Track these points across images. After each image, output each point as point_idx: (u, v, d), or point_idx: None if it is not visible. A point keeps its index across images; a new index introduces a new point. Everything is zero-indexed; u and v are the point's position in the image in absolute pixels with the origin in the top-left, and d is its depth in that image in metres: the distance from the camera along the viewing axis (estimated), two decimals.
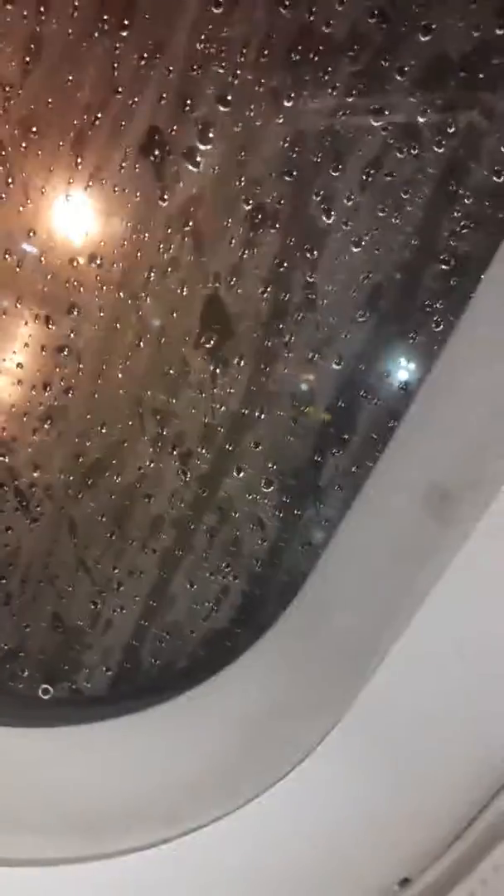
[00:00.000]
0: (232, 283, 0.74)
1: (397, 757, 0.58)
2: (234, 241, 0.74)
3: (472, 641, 0.54)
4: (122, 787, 0.69)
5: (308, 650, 0.70)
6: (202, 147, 0.72)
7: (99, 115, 0.72)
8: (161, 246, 0.74)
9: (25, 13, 0.69)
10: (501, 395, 0.57)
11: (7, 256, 0.75)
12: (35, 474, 0.82)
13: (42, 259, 0.75)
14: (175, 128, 0.72)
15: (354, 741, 0.60)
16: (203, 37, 0.69)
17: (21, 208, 0.74)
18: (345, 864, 0.60)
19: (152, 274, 0.75)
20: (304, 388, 0.79)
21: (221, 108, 0.71)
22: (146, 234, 0.75)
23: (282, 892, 0.62)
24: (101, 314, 0.77)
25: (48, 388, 0.79)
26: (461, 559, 0.54)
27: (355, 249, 0.73)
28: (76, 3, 0.69)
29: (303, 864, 0.62)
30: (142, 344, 0.78)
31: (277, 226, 0.73)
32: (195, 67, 0.70)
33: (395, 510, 0.64)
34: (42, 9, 0.69)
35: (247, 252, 0.74)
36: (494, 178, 0.69)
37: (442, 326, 0.72)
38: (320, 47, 0.68)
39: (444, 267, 0.72)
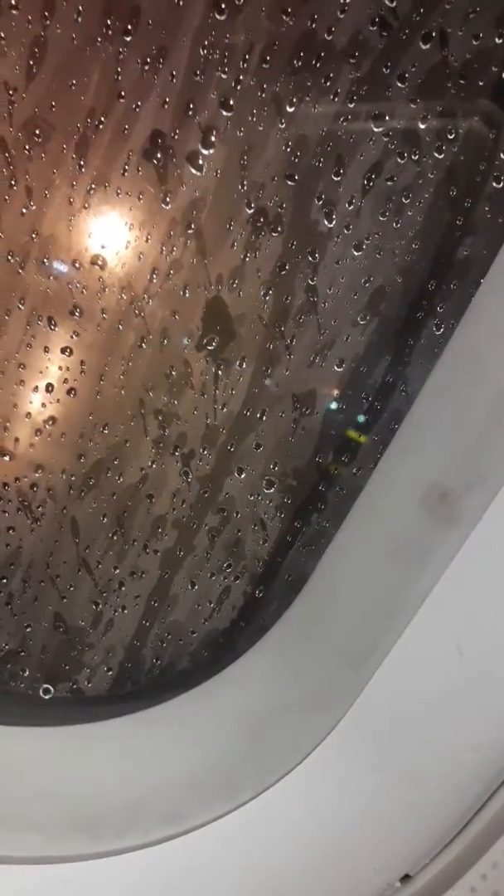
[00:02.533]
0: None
1: (398, 755, 0.59)
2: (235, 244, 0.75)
3: (472, 640, 0.55)
4: (123, 786, 0.69)
5: (309, 650, 0.70)
6: (205, 151, 0.73)
7: (102, 119, 0.73)
8: (164, 248, 0.75)
9: (30, 18, 0.70)
10: (500, 396, 0.58)
11: (10, 258, 0.75)
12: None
13: (45, 261, 0.76)
14: (178, 132, 0.72)
15: (355, 740, 0.60)
16: (206, 42, 0.70)
17: (24, 211, 0.74)
18: (346, 861, 0.61)
19: (155, 276, 0.76)
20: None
21: (224, 113, 0.72)
22: (148, 237, 0.75)
23: (283, 889, 0.62)
24: (104, 316, 0.77)
25: (50, 389, 0.79)
26: (461, 559, 0.54)
27: (356, 252, 0.74)
28: (80, 9, 0.69)
29: (304, 863, 0.62)
30: (143, 345, 0.78)
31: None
32: (198, 73, 0.71)
33: (396, 510, 0.65)
34: (46, 13, 0.69)
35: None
36: (494, 184, 0.70)
37: (442, 329, 0.73)
38: (322, 54, 0.69)
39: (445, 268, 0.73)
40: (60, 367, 0.79)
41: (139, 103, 0.72)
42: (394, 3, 0.67)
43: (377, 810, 0.59)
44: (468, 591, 0.55)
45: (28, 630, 0.86)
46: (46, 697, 0.86)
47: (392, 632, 0.59)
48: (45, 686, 0.86)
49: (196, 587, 0.85)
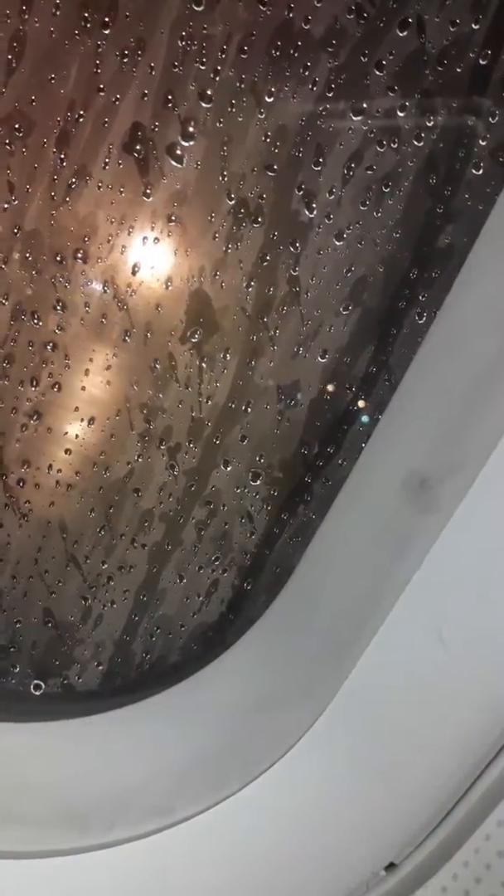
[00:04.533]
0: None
1: (381, 743, 0.59)
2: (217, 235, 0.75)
3: (453, 626, 0.55)
4: (112, 780, 0.69)
5: (295, 641, 0.70)
6: (184, 143, 0.73)
7: (82, 113, 0.73)
8: (145, 241, 0.75)
9: (8, 12, 0.70)
10: (479, 383, 0.57)
11: None
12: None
13: (28, 256, 0.76)
14: (158, 124, 0.72)
15: (339, 729, 0.60)
16: (184, 34, 0.70)
17: (6, 206, 0.74)
18: (331, 850, 0.61)
19: (137, 269, 0.76)
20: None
21: (203, 105, 0.72)
22: (130, 230, 0.75)
23: (269, 879, 0.62)
24: (87, 310, 0.77)
25: (35, 383, 0.79)
26: (440, 545, 0.54)
27: (338, 242, 0.74)
28: (58, 2, 0.69)
29: (289, 852, 0.62)
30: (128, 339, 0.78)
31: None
32: (177, 65, 0.71)
33: (378, 499, 0.65)
34: (24, 7, 0.70)
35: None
36: (473, 171, 0.70)
37: (425, 318, 0.72)
38: (299, 43, 0.69)
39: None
40: (45, 362, 0.79)
41: (118, 96, 0.72)
42: None
43: (361, 799, 0.59)
44: (448, 576, 0.55)
45: (17, 626, 0.86)
46: (37, 693, 0.86)
47: (375, 620, 0.59)
48: (36, 682, 0.86)
49: (184, 581, 0.85)
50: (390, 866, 0.59)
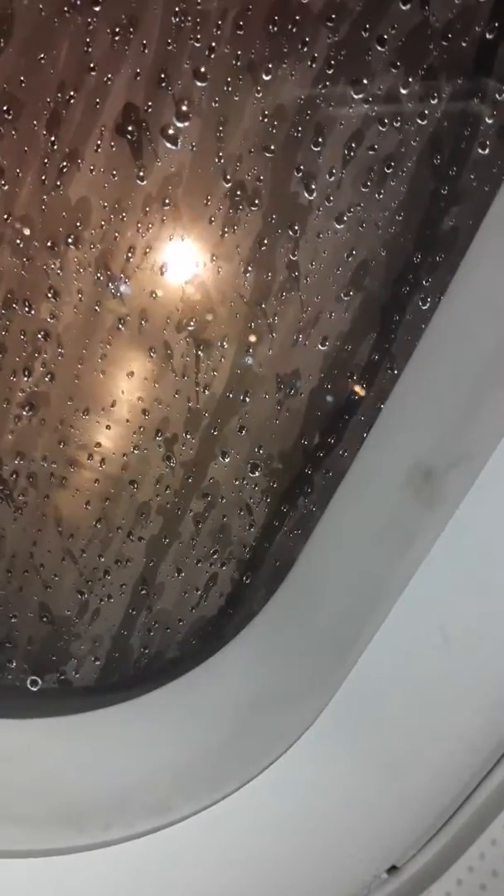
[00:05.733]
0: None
1: (383, 743, 0.57)
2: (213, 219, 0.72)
3: (456, 623, 0.53)
4: (109, 778, 0.69)
5: (295, 637, 0.69)
6: (179, 124, 0.70)
7: (73, 94, 0.71)
8: (139, 226, 0.73)
9: None
10: (486, 370, 0.55)
11: None
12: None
13: (19, 243, 0.74)
14: (151, 105, 0.70)
15: (339, 728, 0.59)
16: (177, 10, 0.68)
17: None
18: (332, 852, 0.60)
19: (131, 255, 0.74)
20: None
21: (198, 84, 0.69)
22: (124, 215, 0.73)
23: (268, 880, 0.61)
24: (81, 297, 0.75)
25: (28, 373, 0.77)
26: (445, 539, 0.52)
27: (338, 226, 0.72)
28: None
29: (289, 854, 0.61)
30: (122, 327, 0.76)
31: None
32: (170, 42, 0.68)
33: (380, 491, 0.63)
34: None
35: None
36: (479, 150, 0.67)
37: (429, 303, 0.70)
38: (297, 17, 0.66)
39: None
40: (38, 351, 0.77)
41: (111, 76, 0.70)
42: None
43: (363, 800, 0.58)
44: (452, 571, 0.53)
45: (14, 621, 0.85)
46: (34, 689, 0.85)
47: (377, 616, 0.58)
48: (33, 678, 0.85)
49: (183, 574, 0.84)
50: (392, 869, 0.57)
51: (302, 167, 0.70)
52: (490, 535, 0.51)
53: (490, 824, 0.52)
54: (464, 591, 0.53)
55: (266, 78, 0.68)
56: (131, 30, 0.68)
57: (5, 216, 0.73)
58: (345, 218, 0.71)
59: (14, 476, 0.80)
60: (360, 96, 0.68)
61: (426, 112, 0.68)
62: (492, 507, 0.51)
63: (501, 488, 0.51)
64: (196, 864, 0.64)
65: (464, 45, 0.66)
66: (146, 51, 0.69)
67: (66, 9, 0.68)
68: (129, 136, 0.71)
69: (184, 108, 0.70)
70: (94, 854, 0.63)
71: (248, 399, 0.77)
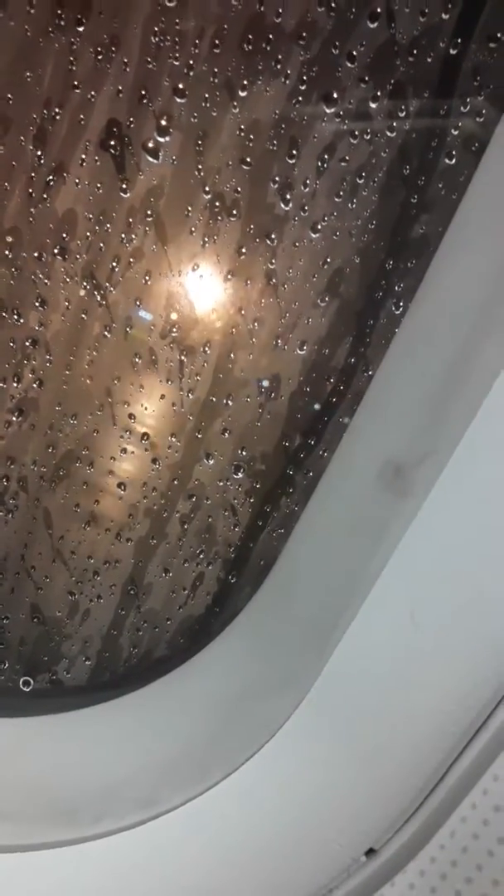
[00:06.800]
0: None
1: (359, 729, 0.59)
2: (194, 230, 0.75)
3: (425, 609, 0.55)
4: (98, 773, 0.70)
5: (275, 631, 0.71)
6: (160, 139, 0.73)
7: (58, 111, 0.73)
8: (123, 237, 0.76)
9: None
10: (451, 369, 0.58)
11: None
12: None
13: (8, 254, 0.76)
14: (133, 120, 0.73)
15: (318, 716, 0.61)
16: (157, 30, 0.70)
17: None
18: (312, 837, 0.61)
19: (116, 265, 0.77)
20: None
21: (178, 100, 0.72)
22: (109, 227, 0.76)
23: (252, 867, 0.62)
24: (68, 306, 0.78)
25: (18, 380, 0.80)
26: (413, 530, 0.55)
27: (314, 234, 0.75)
28: (33, 0, 0.70)
29: (272, 841, 0.62)
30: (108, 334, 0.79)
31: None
32: (150, 61, 0.71)
33: (355, 488, 0.65)
34: None
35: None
36: (446, 160, 0.70)
37: (401, 308, 0.73)
38: (271, 36, 0.69)
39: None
40: (27, 359, 0.79)
41: (94, 93, 0.73)
42: None
43: (341, 785, 0.59)
44: (420, 560, 0.55)
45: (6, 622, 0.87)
46: (27, 689, 0.86)
47: (352, 607, 0.60)
48: (25, 678, 0.86)
49: (170, 574, 0.85)
50: (370, 852, 0.59)
51: (278, 179, 0.73)
52: (455, 524, 0.54)
53: (461, 803, 0.54)
54: (431, 579, 0.55)
55: (242, 94, 0.71)
56: (113, 49, 0.71)
57: None
58: (319, 227, 0.74)
59: (5, 480, 0.82)
60: (332, 110, 0.71)
61: (395, 124, 0.71)
62: (456, 497, 0.53)
63: (465, 480, 0.53)
64: (183, 853, 0.65)
65: (429, 60, 0.69)
66: (128, 69, 0.72)
67: (50, 29, 0.71)
68: (112, 151, 0.74)
69: (164, 123, 0.73)
70: (83, 847, 0.65)
71: (230, 402, 0.80)
